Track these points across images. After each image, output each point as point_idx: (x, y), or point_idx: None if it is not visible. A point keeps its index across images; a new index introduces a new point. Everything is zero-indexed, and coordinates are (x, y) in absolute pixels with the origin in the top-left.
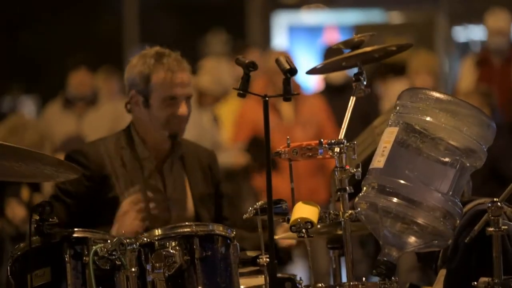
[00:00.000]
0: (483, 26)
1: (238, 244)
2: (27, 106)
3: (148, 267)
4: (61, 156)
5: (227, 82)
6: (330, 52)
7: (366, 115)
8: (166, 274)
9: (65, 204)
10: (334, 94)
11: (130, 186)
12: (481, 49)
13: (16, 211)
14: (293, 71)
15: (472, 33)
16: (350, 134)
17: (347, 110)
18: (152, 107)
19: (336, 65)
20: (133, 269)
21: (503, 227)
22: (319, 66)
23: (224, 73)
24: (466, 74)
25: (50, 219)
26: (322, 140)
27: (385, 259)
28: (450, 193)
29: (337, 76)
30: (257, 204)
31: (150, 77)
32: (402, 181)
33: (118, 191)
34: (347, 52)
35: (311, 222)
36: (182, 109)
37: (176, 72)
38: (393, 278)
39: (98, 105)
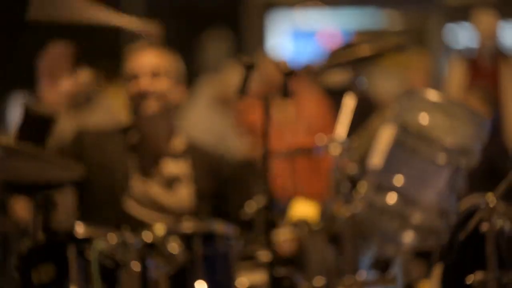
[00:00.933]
0: (472, 27)
1: (239, 242)
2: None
3: (151, 265)
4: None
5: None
6: (328, 52)
7: (364, 115)
8: (168, 273)
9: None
10: (332, 94)
11: (129, 176)
12: (471, 50)
13: (20, 209)
14: (291, 71)
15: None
16: (348, 134)
17: (345, 110)
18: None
19: (334, 65)
20: (135, 267)
21: (497, 223)
22: (317, 66)
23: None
24: (455, 75)
25: (54, 215)
26: (320, 139)
27: (382, 255)
28: (446, 191)
29: (335, 76)
30: (256, 202)
31: (125, 65)
32: (398, 180)
33: (116, 177)
34: (344, 52)
35: (310, 220)
36: (143, 83)
37: (142, 51)
38: (390, 274)
39: (96, 104)
